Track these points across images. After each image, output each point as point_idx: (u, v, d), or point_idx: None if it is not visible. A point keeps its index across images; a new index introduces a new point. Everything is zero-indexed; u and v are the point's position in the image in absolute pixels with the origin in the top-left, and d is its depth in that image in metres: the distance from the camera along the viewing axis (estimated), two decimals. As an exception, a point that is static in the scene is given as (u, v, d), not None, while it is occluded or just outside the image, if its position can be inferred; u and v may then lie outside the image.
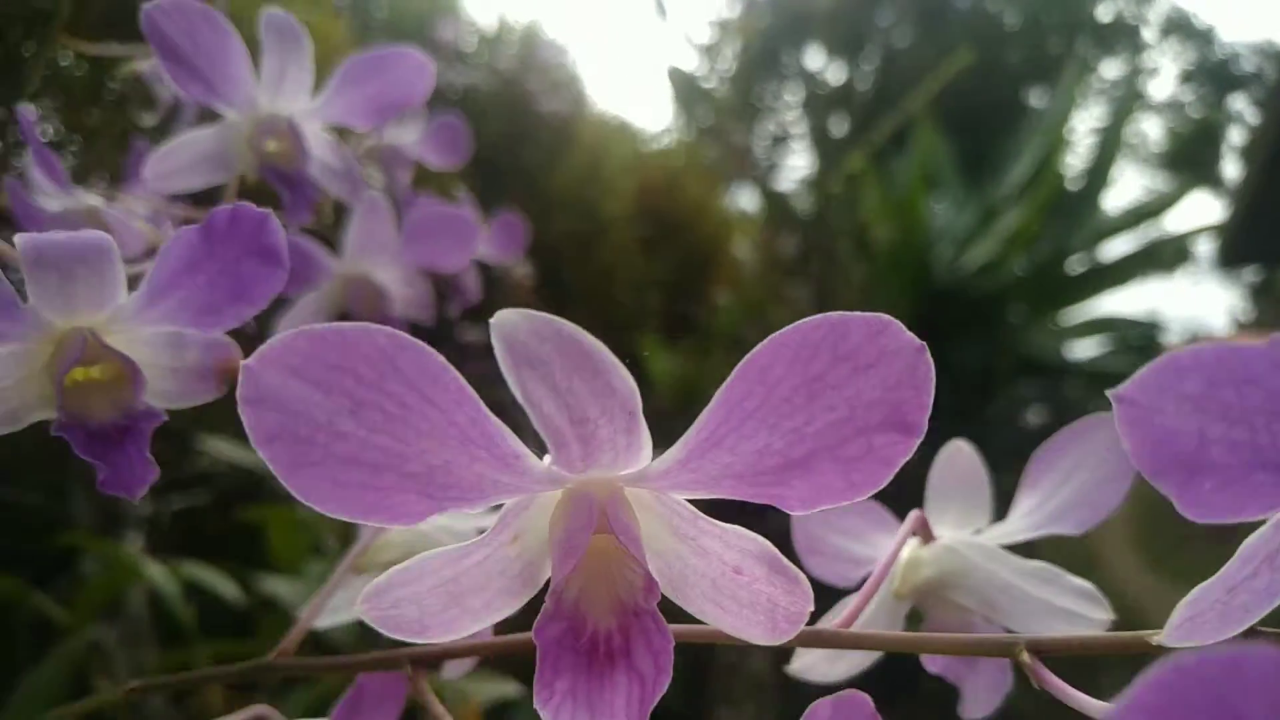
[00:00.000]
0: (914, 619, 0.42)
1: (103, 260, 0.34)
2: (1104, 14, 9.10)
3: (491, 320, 0.24)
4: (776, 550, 0.29)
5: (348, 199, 0.62)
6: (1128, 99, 6.27)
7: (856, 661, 0.40)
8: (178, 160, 0.56)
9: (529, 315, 0.24)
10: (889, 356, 0.24)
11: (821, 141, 5.43)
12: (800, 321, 0.24)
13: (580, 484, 0.28)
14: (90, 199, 0.54)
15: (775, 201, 2.87)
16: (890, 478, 0.26)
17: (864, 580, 0.38)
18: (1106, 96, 7.48)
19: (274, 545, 1.17)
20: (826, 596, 0.37)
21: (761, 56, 5.74)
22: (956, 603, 0.39)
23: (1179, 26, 9.60)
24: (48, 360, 0.34)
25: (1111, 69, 8.85)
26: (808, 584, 0.29)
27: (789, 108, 6.11)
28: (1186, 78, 9.60)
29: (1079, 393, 3.44)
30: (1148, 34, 9.43)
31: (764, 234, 3.02)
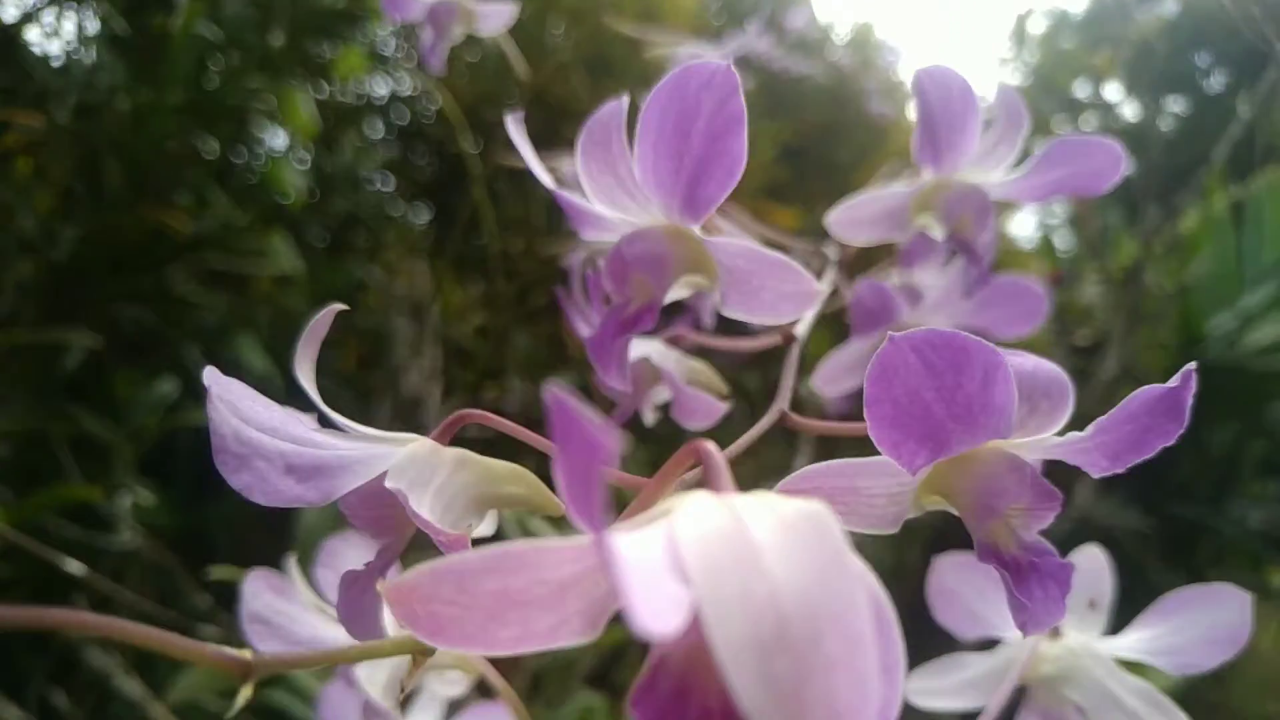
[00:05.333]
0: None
1: (1065, 391, 0.34)
2: None
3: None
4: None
5: (975, 265, 0.61)
6: None
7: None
8: (864, 212, 0.57)
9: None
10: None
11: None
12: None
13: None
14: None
15: (1089, 248, 2.70)
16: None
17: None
18: None
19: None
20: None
21: (1059, 81, 5.41)
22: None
23: None
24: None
25: None
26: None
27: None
28: None
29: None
30: None
31: (1054, 276, 2.85)
